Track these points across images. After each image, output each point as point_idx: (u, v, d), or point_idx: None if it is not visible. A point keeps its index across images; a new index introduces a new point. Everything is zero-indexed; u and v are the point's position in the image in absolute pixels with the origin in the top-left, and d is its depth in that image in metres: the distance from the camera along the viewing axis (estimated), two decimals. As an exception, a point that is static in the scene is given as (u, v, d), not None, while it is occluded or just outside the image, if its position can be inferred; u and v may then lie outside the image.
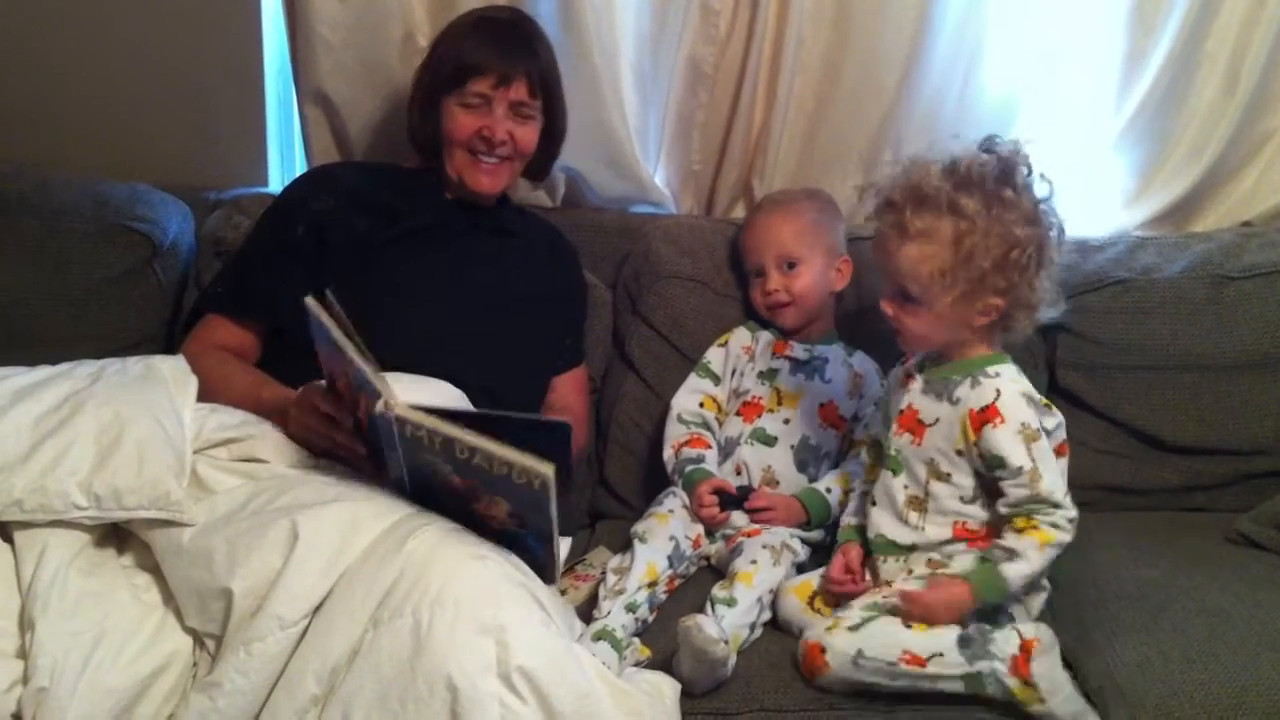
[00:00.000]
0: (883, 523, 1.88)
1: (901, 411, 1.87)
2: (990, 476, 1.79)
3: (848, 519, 1.99)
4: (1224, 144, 2.50)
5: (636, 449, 2.37)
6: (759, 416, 2.18)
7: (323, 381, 1.78)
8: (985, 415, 1.77)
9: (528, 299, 2.23)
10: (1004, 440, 1.75)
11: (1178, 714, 1.71)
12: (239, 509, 1.60)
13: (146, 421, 1.66)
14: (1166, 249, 2.42)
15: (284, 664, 1.45)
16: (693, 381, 2.27)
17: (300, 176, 2.33)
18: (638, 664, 1.75)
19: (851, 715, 1.74)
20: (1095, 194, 2.57)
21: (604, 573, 1.93)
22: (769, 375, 2.21)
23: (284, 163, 2.69)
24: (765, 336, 2.27)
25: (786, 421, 2.16)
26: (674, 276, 2.39)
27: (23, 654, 1.46)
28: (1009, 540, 1.77)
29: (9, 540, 1.56)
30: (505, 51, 2.13)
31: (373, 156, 2.53)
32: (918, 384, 1.86)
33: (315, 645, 1.45)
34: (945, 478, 1.83)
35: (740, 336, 2.29)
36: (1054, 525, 1.76)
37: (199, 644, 1.55)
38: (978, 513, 1.83)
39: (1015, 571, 1.75)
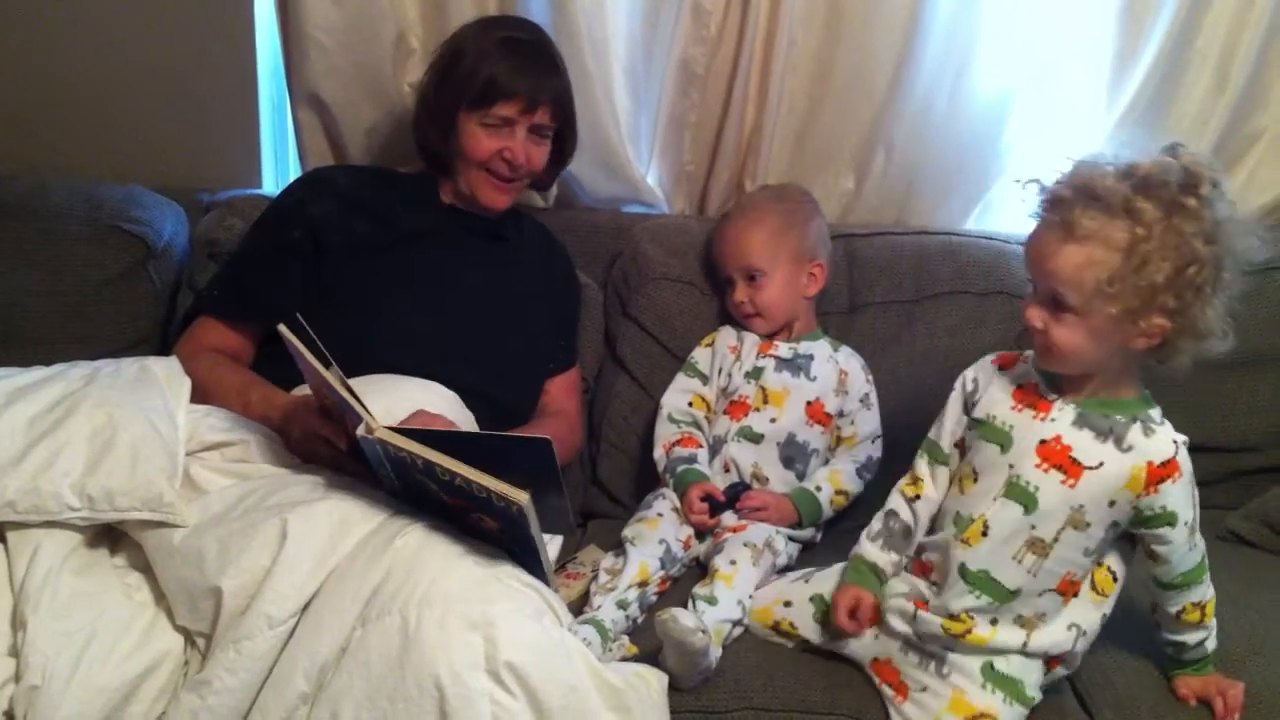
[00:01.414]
0: (988, 556, 1.69)
1: (1044, 442, 1.66)
2: (1144, 534, 1.68)
3: (873, 554, 1.82)
4: (1214, 142, 2.50)
5: (628, 448, 2.37)
6: (745, 415, 2.17)
7: (310, 395, 1.79)
8: (1167, 470, 1.62)
9: (523, 301, 2.24)
10: (1182, 496, 1.64)
11: (1169, 716, 1.73)
12: (230, 508, 1.61)
13: (140, 423, 1.67)
14: (1157, 247, 2.42)
15: (273, 662, 1.47)
16: (681, 381, 2.27)
17: (297, 180, 2.34)
18: (624, 659, 1.75)
19: (844, 718, 1.74)
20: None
21: (596, 572, 1.94)
22: (755, 374, 2.20)
23: (278, 165, 2.70)
24: (751, 336, 2.26)
25: (773, 420, 2.16)
26: (662, 278, 2.39)
27: (15, 652, 1.47)
28: (1199, 632, 1.72)
29: (2, 540, 1.57)
30: (534, 77, 2.14)
31: (366, 158, 2.55)
32: (1068, 415, 1.66)
33: (304, 644, 1.46)
34: (1084, 527, 1.65)
35: (726, 336, 2.28)
36: (1209, 584, 1.71)
37: (190, 643, 1.56)
38: (1089, 565, 1.70)
39: (1214, 639, 1.74)
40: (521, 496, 1.46)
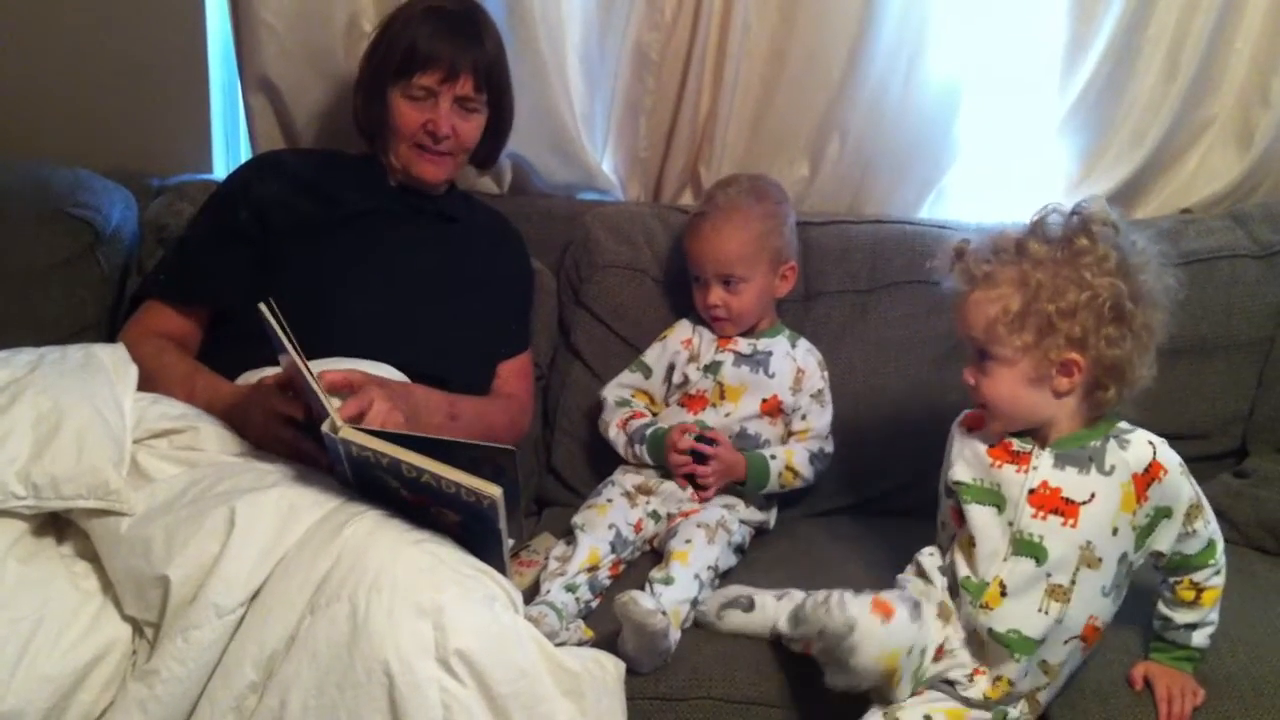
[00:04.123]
0: (1016, 614, 1.66)
1: (1033, 491, 1.66)
2: (1150, 546, 1.67)
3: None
4: (1165, 131, 2.53)
5: (583, 436, 2.36)
6: (702, 409, 2.17)
7: (272, 377, 1.78)
8: (1150, 474, 1.64)
9: (473, 285, 2.22)
10: (1173, 485, 1.65)
11: (1113, 698, 1.74)
12: (178, 496, 1.59)
13: (86, 410, 1.64)
14: (1107, 235, 2.44)
15: (222, 651, 1.45)
16: (624, 377, 2.28)
17: (244, 163, 2.32)
18: (581, 643, 1.76)
19: (797, 711, 1.74)
20: (1038, 180, 2.59)
21: (547, 559, 1.94)
22: (713, 368, 2.19)
23: (228, 149, 2.67)
24: (709, 331, 2.24)
25: (728, 415, 2.16)
26: (613, 265, 2.39)
27: (-41, 642, 1.45)
28: (1189, 614, 1.71)
29: (-54, 529, 1.55)
30: (454, 44, 2.12)
31: (317, 143, 2.53)
32: (1046, 459, 1.67)
33: (252, 632, 1.45)
34: (1096, 564, 1.65)
35: (681, 330, 2.27)
36: (1217, 572, 1.69)
37: (138, 632, 1.54)
38: (1110, 608, 1.69)
39: (1205, 637, 1.72)
40: (494, 490, 1.46)
